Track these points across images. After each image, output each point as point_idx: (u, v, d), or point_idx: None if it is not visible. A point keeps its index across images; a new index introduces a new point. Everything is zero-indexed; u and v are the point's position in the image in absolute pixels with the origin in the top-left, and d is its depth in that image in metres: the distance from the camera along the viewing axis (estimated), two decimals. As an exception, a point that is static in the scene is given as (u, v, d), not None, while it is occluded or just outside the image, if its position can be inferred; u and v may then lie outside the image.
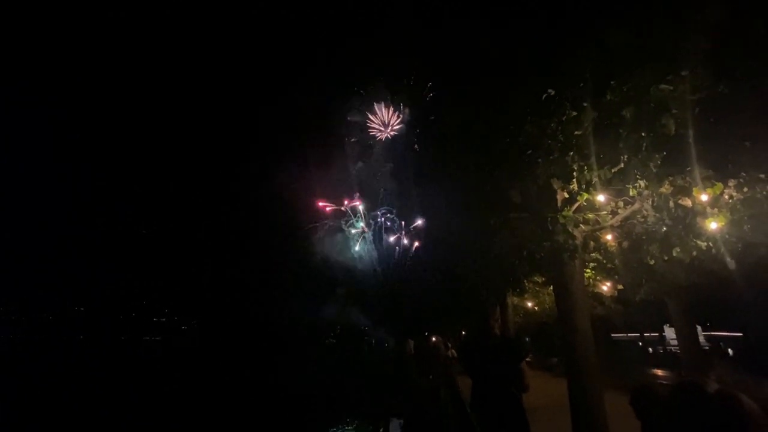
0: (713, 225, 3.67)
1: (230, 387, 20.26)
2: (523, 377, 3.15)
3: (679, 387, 1.94)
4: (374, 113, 42.10)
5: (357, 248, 40.09)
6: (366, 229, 40.63)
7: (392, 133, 41.47)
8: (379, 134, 42.38)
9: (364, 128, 42.81)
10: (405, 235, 39.72)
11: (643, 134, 3.12)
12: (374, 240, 41.11)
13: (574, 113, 3.46)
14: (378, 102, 41.77)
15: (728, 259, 4.08)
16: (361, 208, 40.43)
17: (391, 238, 40.61)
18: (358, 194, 40.62)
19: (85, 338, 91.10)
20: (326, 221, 39.70)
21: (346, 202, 40.12)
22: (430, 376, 7.60)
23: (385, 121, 42.02)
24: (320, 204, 39.81)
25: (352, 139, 42.80)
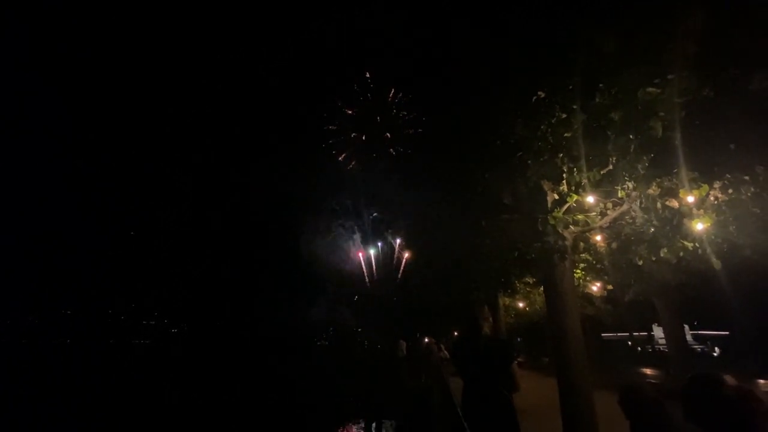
0: (699, 226, 3.74)
1: (220, 392, 20.08)
2: (513, 378, 3.16)
3: (696, 380, 1.91)
4: (365, 112, 42.15)
5: (345, 248, 40.11)
6: (354, 230, 40.66)
7: (383, 132, 41.56)
8: (369, 133, 42.43)
9: (354, 127, 42.86)
10: (394, 235, 39.80)
11: (631, 136, 3.18)
12: (362, 241, 41.15)
13: (564, 115, 3.51)
14: (369, 100, 41.83)
15: (714, 259, 4.14)
16: (350, 208, 40.43)
17: (380, 239, 40.70)
18: (346, 193, 40.64)
19: (73, 341, 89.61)
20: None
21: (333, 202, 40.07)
22: (423, 378, 7.61)
23: (376, 120, 42.09)
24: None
25: (342, 139, 42.80)
